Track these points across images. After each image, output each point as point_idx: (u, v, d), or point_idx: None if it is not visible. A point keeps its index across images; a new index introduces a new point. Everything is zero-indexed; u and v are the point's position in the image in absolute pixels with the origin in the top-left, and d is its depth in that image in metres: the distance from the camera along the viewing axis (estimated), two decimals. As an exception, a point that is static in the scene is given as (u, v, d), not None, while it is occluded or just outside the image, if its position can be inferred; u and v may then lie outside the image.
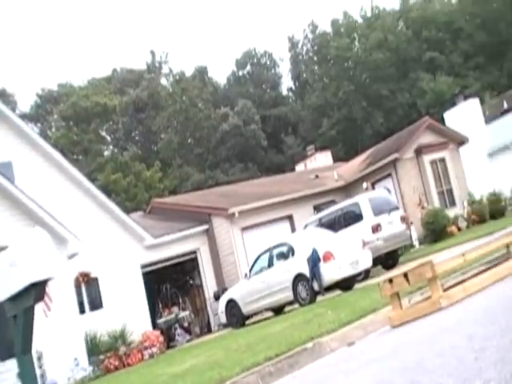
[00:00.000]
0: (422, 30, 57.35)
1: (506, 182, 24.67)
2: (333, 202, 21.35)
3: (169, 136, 50.25)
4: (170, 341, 18.60)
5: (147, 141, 53.43)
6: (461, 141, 24.25)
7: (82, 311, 16.62)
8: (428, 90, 50.68)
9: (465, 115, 30.54)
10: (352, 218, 16.77)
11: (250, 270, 15.31)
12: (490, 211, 21.50)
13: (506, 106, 38.50)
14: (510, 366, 2.82)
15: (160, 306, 20.15)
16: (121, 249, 18.62)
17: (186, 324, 19.82)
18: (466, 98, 34.26)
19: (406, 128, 26.60)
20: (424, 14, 59.16)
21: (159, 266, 20.11)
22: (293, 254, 14.00)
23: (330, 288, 13.16)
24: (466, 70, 55.33)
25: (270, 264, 14.61)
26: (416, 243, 19.98)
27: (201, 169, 48.99)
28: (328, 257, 13.05)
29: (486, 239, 6.53)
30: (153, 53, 58.44)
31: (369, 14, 62.72)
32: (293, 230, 21.19)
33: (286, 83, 69.49)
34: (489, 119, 33.65)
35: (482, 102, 35.60)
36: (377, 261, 15.20)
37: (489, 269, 6.47)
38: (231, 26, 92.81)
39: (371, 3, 66.91)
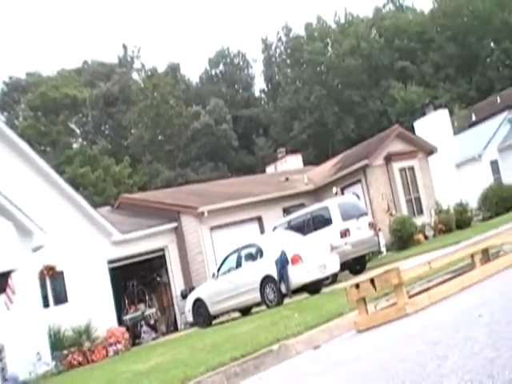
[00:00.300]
0: (395, 38, 58.10)
1: (472, 193, 25.05)
2: (302, 206, 21.51)
3: (139, 131, 49.82)
4: (135, 338, 18.50)
5: (117, 135, 52.93)
6: (430, 150, 24.65)
7: (46, 305, 16.33)
8: (399, 98, 51.37)
9: (434, 125, 31.10)
10: (321, 222, 16.93)
11: (218, 270, 15.30)
12: (456, 221, 21.89)
13: (474, 118, 39.28)
14: (471, 375, 2.90)
15: (126, 302, 20.01)
16: (88, 243, 18.44)
17: (152, 321, 19.72)
18: (435, 108, 34.89)
19: (377, 135, 26.93)
20: (396, 23, 59.96)
21: (126, 262, 19.93)
22: (261, 256, 14.05)
23: (297, 291, 13.23)
24: (436, 81, 56.24)
25: (238, 265, 14.64)
26: (383, 249, 20.22)
27: (171, 166, 48.76)
28: (296, 259, 13.15)
29: (451, 248, 6.66)
30: (125, 47, 57.81)
31: (342, 20, 63.31)
32: (262, 231, 21.28)
33: (259, 84, 69.51)
34: (457, 130, 34.30)
35: (451, 114, 36.33)
36: (344, 265, 15.33)
37: (454, 277, 6.59)
38: (205, 25, 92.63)
39: (345, 10, 67.70)
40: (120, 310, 19.28)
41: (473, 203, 23.99)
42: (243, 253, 14.73)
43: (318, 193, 23.44)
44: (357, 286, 6.04)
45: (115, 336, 15.22)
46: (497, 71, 57.89)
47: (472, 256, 6.71)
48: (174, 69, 55.11)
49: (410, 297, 6.03)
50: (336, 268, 13.95)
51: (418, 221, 21.16)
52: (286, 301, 12.93)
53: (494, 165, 30.05)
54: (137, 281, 20.92)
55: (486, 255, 7.08)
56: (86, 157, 42.55)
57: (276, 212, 22.00)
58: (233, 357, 6.24)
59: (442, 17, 59.69)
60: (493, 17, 58.90)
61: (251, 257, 14.40)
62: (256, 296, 13.66)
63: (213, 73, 62.06)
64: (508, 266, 6.56)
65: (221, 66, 61.86)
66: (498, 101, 41.04)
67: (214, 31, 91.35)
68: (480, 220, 23.65)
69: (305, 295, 13.20)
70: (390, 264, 11.66)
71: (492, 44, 59.97)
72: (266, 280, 13.40)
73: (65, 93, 48.59)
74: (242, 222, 21.43)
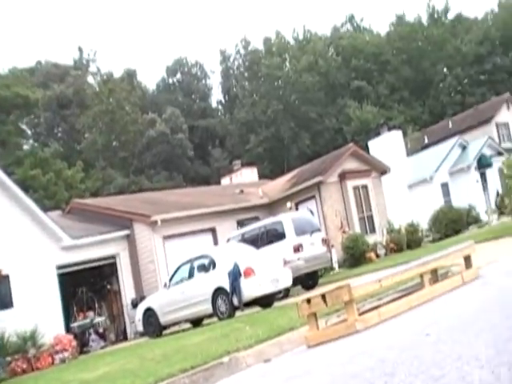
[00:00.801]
0: (352, 58, 59.22)
1: (423, 213, 25.59)
2: (256, 219, 21.62)
3: (93, 136, 49.04)
4: (83, 346, 18.12)
5: (70, 139, 52.03)
6: (383, 170, 25.17)
7: (-10, 309, 15.99)
8: (354, 117, 52.28)
9: (388, 145, 31.75)
10: (274, 236, 17.02)
11: (170, 280, 15.20)
12: (407, 241, 22.36)
13: (426, 140, 40.40)
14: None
15: (75, 309, 19.57)
16: (36, 247, 17.98)
17: (101, 330, 19.34)
18: (389, 129, 35.70)
19: (332, 152, 27.34)
20: (354, 43, 61.15)
21: (76, 268, 19.48)
22: (214, 267, 14.05)
23: (249, 304, 13.23)
24: (391, 102, 57.53)
25: (191, 275, 14.59)
26: (336, 266, 20.45)
27: (125, 173, 48.19)
28: (249, 272, 13.19)
29: (402, 267, 6.79)
30: (81, 49, 56.81)
31: (301, 37, 64.17)
32: (215, 242, 21.26)
33: (216, 96, 69.66)
34: (410, 152, 35.14)
35: (405, 135, 37.20)
36: (297, 280, 15.41)
37: (403, 296, 6.71)
38: (163, 33, 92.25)
39: (303, 27, 68.55)
40: (68, 317, 18.85)
41: (424, 224, 24.56)
42: (196, 264, 14.67)
43: (273, 207, 23.61)
44: (308, 301, 6.08)
45: (62, 343, 14.95)
46: (449, 96, 59.67)
47: (421, 276, 6.83)
48: (130, 75, 54.55)
49: (361, 314, 6.10)
50: (288, 282, 14.03)
51: (370, 239, 21.52)
52: (238, 313, 12.92)
53: (445, 187, 30.88)
54: (86, 288, 20.53)
55: (435, 275, 7.25)
56: (37, 159, 41.46)
57: (230, 224, 22.03)
58: (183, 368, 6.20)
59: (398, 40, 61.24)
60: (446, 43, 60.83)
61: (204, 268, 14.36)
62: (208, 307, 13.61)
63: (170, 81, 61.85)
64: (455, 287, 6.78)
65: (178, 75, 61.70)
66: (450, 125, 42.36)
67: (173, 40, 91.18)
68: (430, 241, 24.25)
69: (257, 308, 13.23)
70: (341, 280, 11.81)
71: (445, 70, 61.83)
72: (218, 292, 13.38)
73: (16, 92, 47.39)
74: (196, 232, 21.37)
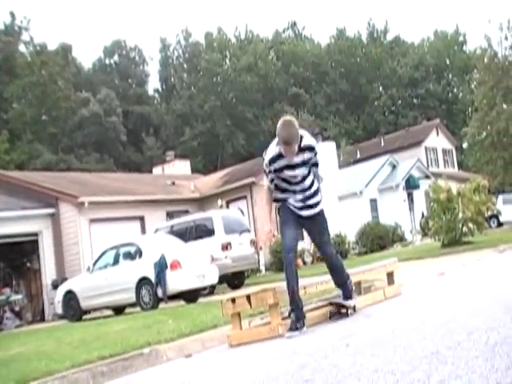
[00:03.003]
0: (291, 64, 59.88)
1: (351, 226, 26.21)
2: (186, 212, 21.64)
3: (21, 107, 47.32)
4: (-4, 323, 17.55)
5: (-4, 107, 49.98)
6: (315, 179, 25.63)
7: None
8: (290, 123, 52.80)
9: (321, 156, 32.21)
10: (203, 231, 17.13)
11: (94, 264, 15.04)
12: (334, 251, 22.82)
13: (359, 155, 41.43)
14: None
15: (-10, 285, 19.07)
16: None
17: (17, 308, 18.74)
18: (324, 139, 36.34)
19: (266, 155, 27.63)
20: (294, 50, 61.83)
21: (-6, 242, 19.05)
22: (140, 256, 14.00)
23: (174, 297, 13.24)
24: (327, 113, 58.56)
25: (116, 262, 14.49)
26: (263, 268, 20.65)
27: (53, 150, 46.78)
28: (175, 265, 13.24)
29: (327, 277, 6.99)
30: (13, 14, 54.08)
31: (242, 36, 64.25)
32: (143, 231, 21.13)
33: (153, 83, 68.68)
34: (342, 164, 35.88)
35: (338, 147, 38.03)
36: (223, 279, 15.57)
37: (327, 305, 6.78)
38: (104, 12, 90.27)
39: (246, 26, 68.70)
40: (-18, 293, 18.29)
41: (351, 236, 25.15)
42: (122, 250, 14.59)
43: (204, 202, 23.66)
44: (233, 300, 6.12)
45: (-27, 319, 14.43)
46: (383, 115, 61.43)
47: None
48: (65, 49, 52.66)
49: (284, 318, 6.13)
50: (215, 279, 14.16)
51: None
52: (162, 305, 12.89)
53: (373, 203, 31.68)
54: (4, 263, 19.91)
55: (358, 288, 7.46)
56: (-42, 124, 39.73)
57: (159, 214, 21.94)
58: (101, 355, 6.13)
59: (337, 53, 62.41)
60: (383, 63, 62.58)
61: (130, 256, 14.29)
62: (131, 296, 13.55)
63: (107, 62, 60.46)
64: (377, 302, 7.04)
65: (115, 57, 60.45)
66: (382, 143, 43.69)
67: (113, 20, 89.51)
68: (356, 253, 24.91)
69: (181, 302, 13.22)
70: (267, 283, 11.96)
71: (381, 88, 63.57)
72: (143, 282, 13.35)
73: None
74: (124, 219, 21.17)
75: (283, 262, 6.20)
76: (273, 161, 5.86)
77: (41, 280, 20.31)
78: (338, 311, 6.27)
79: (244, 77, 55.93)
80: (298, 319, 5.82)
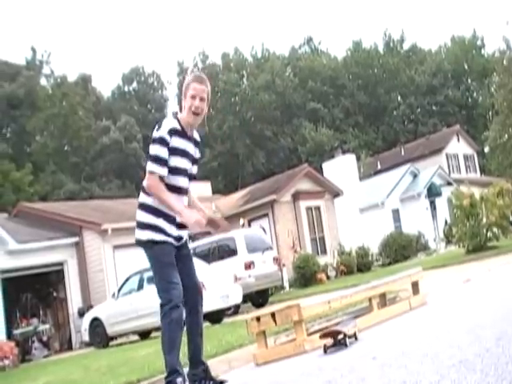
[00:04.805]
0: (308, 80, 59.98)
1: (374, 238, 26.04)
2: (208, 234, 21.62)
3: (44, 139, 48.07)
4: (25, 354, 17.66)
5: (20, 140, 50.71)
6: (336, 193, 25.56)
7: None
8: (309, 138, 52.90)
9: (342, 169, 32.22)
10: (226, 252, 17.09)
11: (119, 291, 15.06)
12: (357, 264, 22.70)
13: (379, 166, 41.22)
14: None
15: (18, 315, 19.04)
16: (-21, 250, 17.64)
17: (45, 338, 18.87)
18: (344, 152, 36.31)
19: (286, 172, 27.66)
20: (311, 65, 61.97)
21: (21, 273, 19.07)
22: (164, 280, 13.95)
23: (198, 319, 13.19)
24: (345, 126, 58.46)
25: (140, 287, 14.48)
26: (286, 285, 20.56)
27: (76, 179, 47.33)
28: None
29: (351, 290, 6.88)
30: (34, 49, 55.53)
31: (259, 55, 64.71)
32: (165, 255, 21.11)
33: (172, 107, 69.39)
34: (363, 176, 35.75)
35: (358, 160, 37.94)
36: (247, 298, 15.51)
37: (352, 319, 6.71)
38: (121, 40, 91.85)
39: (262, 45, 69.21)
40: (10, 324, 18.33)
41: (374, 248, 24.98)
42: (146, 275, 14.54)
43: (225, 222, 23.63)
44: (258, 318, 6.03)
45: (3, 351, 14.50)
46: (402, 124, 61.11)
47: (370, 299, 6.89)
48: (85, 80, 53.67)
49: (309, 334, 6.09)
50: (239, 299, 14.10)
51: (322, 260, 21.75)
52: (187, 327, 12.83)
53: (396, 213, 31.50)
54: (31, 294, 20.04)
55: (384, 300, 7.35)
56: (-17, 158, 40.51)
57: (182, 237, 21.91)
58: (128, 381, 6.10)
59: (354, 65, 62.41)
60: (401, 72, 62.39)
61: (154, 280, 14.23)
62: (156, 320, 13.35)
63: (126, 89, 61.28)
64: (403, 312, 6.94)
65: (134, 84, 61.24)
66: (402, 153, 43.43)
67: (130, 48, 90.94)
68: (380, 265, 24.70)
69: (206, 324, 13.10)
70: (291, 300, 11.88)
71: (399, 98, 63.32)
72: (168, 305, 13.30)
73: (-36, 89, 46.19)
74: (147, 244, 21.17)
75: None
76: None
77: (67, 309, 20.40)
78: (334, 341, 5.51)
79: (262, 95, 56.25)
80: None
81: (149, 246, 4.47)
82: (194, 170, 4.64)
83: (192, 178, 4.67)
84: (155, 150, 4.36)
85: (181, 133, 4.41)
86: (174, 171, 4.40)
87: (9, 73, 51.05)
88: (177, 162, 4.40)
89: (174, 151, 4.37)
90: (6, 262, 18.52)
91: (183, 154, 4.44)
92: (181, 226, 4.51)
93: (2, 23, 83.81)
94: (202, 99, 4.47)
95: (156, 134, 4.38)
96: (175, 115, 4.50)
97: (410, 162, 36.78)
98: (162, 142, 4.34)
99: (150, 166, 4.36)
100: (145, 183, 4.46)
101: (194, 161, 4.60)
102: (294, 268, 20.87)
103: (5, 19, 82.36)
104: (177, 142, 4.38)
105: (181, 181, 4.50)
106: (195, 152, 4.60)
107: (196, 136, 4.63)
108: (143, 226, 4.47)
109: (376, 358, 4.41)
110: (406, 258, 24.08)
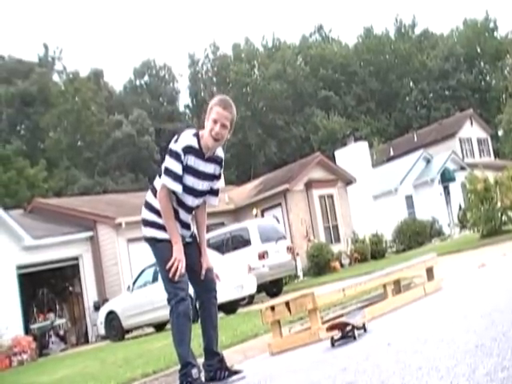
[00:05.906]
0: (319, 68, 59.74)
1: (387, 225, 25.98)
2: (222, 224, 21.62)
3: (57, 135, 48.36)
4: (42, 348, 17.84)
5: (34, 137, 51.17)
6: (349, 180, 25.46)
7: None
8: (321, 126, 52.74)
9: (354, 156, 32.15)
10: (240, 242, 17.10)
11: (134, 283, 15.13)
12: (371, 251, 22.64)
13: (392, 153, 40.97)
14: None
15: (35, 310, 19.25)
16: (-5, 246, 17.80)
17: (61, 332, 19.07)
18: (356, 139, 36.17)
19: (298, 161, 27.57)
20: (322, 53, 61.68)
21: (37, 268, 19.31)
22: (178, 272, 13.98)
23: (213, 309, 13.23)
24: (357, 113, 58.19)
25: (155, 279, 14.48)
26: (300, 274, 20.58)
27: (89, 174, 47.59)
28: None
29: (365, 277, 6.84)
30: (46, 46, 56.04)
31: (270, 44, 64.51)
32: (180, 247, 21.16)
33: (184, 99, 69.53)
34: (376, 163, 35.62)
35: (371, 146, 37.78)
36: (261, 287, 15.52)
37: (366, 306, 6.71)
38: (132, 34, 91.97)
39: (273, 34, 68.92)
40: (28, 318, 18.54)
41: (388, 235, 24.90)
42: (160, 268, 14.60)
43: (238, 213, 23.65)
44: (272, 308, 6.02)
45: (21, 345, 14.67)
46: (414, 110, 60.65)
47: (384, 286, 6.86)
48: (97, 75, 53.96)
49: (324, 322, 6.06)
50: (253, 289, 14.12)
51: (335, 248, 21.72)
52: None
53: (409, 199, 31.36)
54: (47, 289, 20.25)
55: (398, 286, 7.31)
56: (-2, 156, 40.75)
57: (195, 229, 21.95)
58: (144, 373, 6.12)
59: (366, 52, 62.00)
60: (412, 58, 61.85)
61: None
62: (171, 312, 13.54)
63: (137, 83, 61.43)
64: (418, 298, 6.89)
65: (146, 77, 61.36)
66: (415, 139, 43.12)
67: (141, 41, 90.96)
68: (394, 252, 24.62)
69: (220, 315, 13.17)
70: (306, 289, 11.85)
71: (411, 83, 62.83)
72: (183, 296, 13.34)
73: (-22, 87, 46.55)
74: (161, 236, 21.23)
75: None
76: None
77: (83, 303, 20.58)
78: (342, 334, 5.33)
79: (273, 84, 56.11)
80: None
81: (152, 243, 4.53)
82: (215, 185, 4.60)
83: (214, 193, 4.66)
84: (170, 163, 4.32)
85: (197, 152, 4.35)
86: (183, 189, 4.36)
87: (22, 70, 51.43)
88: (187, 180, 4.35)
89: (186, 169, 4.32)
90: (22, 258, 18.72)
91: (195, 173, 4.38)
92: (184, 226, 4.56)
93: (14, 21, 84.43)
94: (223, 126, 4.40)
95: (173, 147, 4.33)
96: (196, 133, 4.41)
97: (422, 147, 36.56)
98: (177, 157, 4.29)
99: (164, 179, 4.32)
100: (157, 186, 4.45)
101: (213, 177, 4.54)
102: (307, 257, 20.84)
103: (17, 17, 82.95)
104: (191, 160, 4.33)
105: (189, 199, 4.46)
106: (215, 169, 4.51)
107: (219, 153, 4.56)
108: (147, 223, 4.51)
109: (391, 344, 4.38)
110: (420, 244, 23.98)
